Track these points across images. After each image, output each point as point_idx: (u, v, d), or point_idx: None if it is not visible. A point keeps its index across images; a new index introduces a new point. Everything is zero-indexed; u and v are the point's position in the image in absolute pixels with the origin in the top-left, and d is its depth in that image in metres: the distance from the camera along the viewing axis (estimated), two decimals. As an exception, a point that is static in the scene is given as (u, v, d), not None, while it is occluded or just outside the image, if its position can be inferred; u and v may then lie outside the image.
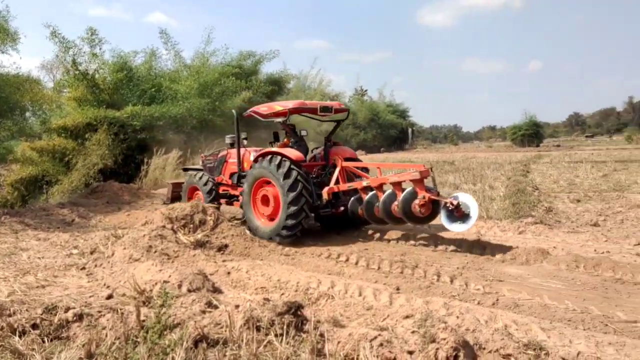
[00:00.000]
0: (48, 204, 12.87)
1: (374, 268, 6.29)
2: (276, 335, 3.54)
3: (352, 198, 8.06)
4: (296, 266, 6.61)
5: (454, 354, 2.99)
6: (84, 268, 6.37)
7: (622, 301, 4.81)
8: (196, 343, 3.41)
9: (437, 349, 3.05)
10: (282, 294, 5.23)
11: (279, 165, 7.71)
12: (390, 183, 7.37)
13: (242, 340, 3.43)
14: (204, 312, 4.01)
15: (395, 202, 7.17)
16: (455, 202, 6.62)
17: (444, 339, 3.12)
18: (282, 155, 7.86)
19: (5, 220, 9.57)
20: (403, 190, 7.15)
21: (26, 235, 8.55)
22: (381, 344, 3.31)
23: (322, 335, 3.56)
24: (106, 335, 3.60)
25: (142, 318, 3.70)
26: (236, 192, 9.30)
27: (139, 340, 3.42)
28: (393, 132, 58.84)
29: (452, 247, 7.11)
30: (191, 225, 7.80)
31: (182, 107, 17.91)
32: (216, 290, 5.22)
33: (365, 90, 66.38)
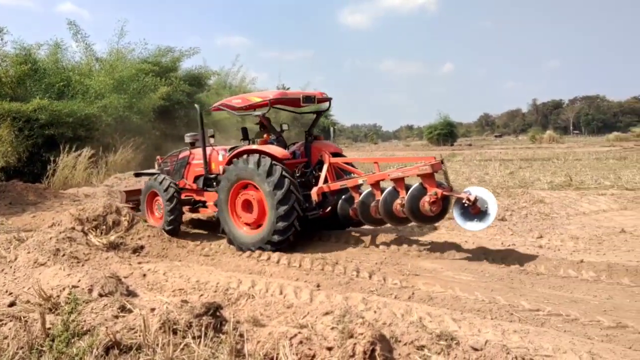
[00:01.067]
0: (-59, 205, 11.76)
1: (295, 266, 6.31)
2: (194, 338, 3.45)
3: (342, 198, 7.39)
4: (216, 266, 6.50)
5: (370, 348, 3.05)
6: (-18, 274, 5.88)
7: (526, 291, 5.14)
8: (107, 350, 3.25)
9: (355, 344, 3.10)
10: (201, 295, 5.12)
11: (258, 164, 6.95)
12: (392, 179, 6.64)
13: (158, 345, 3.32)
14: (116, 317, 3.83)
15: (398, 201, 6.49)
16: (472, 198, 6.00)
17: (362, 334, 3.18)
18: (260, 153, 7.13)
19: None
20: (407, 187, 6.53)
21: None
22: (301, 342, 3.31)
23: (241, 335, 3.52)
24: (8, 345, 3.36)
25: (47, 326, 3.49)
26: (202, 198, 8.48)
27: (44, 349, 3.21)
28: (315, 130, 59.30)
29: (370, 243, 7.27)
30: (104, 227, 7.45)
31: (96, 106, 17.02)
32: (130, 293, 5.02)
33: (288, 88, 66.38)
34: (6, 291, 5.19)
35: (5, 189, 12.83)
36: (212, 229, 8.69)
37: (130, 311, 4.00)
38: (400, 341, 3.47)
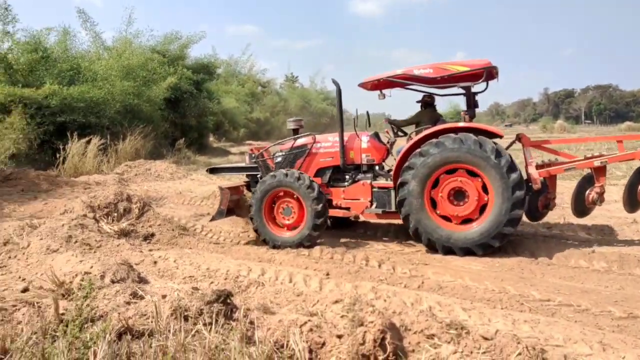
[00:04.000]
0: (-46, 192, 11.90)
1: (305, 254, 6.33)
2: (205, 325, 3.48)
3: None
4: (226, 254, 6.53)
5: (381, 336, 3.06)
6: (-5, 261, 5.96)
7: (537, 281, 5.13)
8: (120, 335, 3.29)
9: (365, 332, 3.11)
10: (212, 282, 5.16)
11: (481, 144, 5.89)
12: (594, 168, 6.20)
13: (169, 331, 3.35)
14: (128, 303, 3.87)
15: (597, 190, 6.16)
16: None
17: (372, 322, 3.19)
18: (475, 130, 6.11)
19: None
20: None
21: None
22: (311, 329, 3.33)
23: (252, 322, 3.54)
24: (22, 330, 3.40)
25: (61, 311, 3.53)
26: (329, 195, 7.00)
27: (57, 334, 3.25)
28: (324, 119, 59.32)
29: (380, 232, 7.27)
30: (115, 214, 7.51)
31: (103, 90, 17.07)
32: (142, 280, 5.05)
33: (297, 77, 66.33)
34: (19, 277, 5.25)
35: (17, 176, 12.94)
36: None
37: (142, 298, 4.03)
38: (410, 330, 3.48)
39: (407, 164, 6.23)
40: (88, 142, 15.36)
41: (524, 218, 6.42)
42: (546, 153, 7.03)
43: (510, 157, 5.91)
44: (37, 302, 3.80)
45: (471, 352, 3.15)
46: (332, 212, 6.93)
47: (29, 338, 3.30)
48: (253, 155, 7.64)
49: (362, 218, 7.46)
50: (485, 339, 3.23)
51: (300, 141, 7.37)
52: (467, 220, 6.09)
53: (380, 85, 6.93)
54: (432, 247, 6.18)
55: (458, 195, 6.10)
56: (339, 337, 3.26)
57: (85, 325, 3.27)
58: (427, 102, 7.32)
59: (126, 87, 18.20)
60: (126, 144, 17.24)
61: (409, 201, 6.16)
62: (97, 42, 21.50)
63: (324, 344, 3.27)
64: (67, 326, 3.21)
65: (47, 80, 16.10)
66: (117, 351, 3.07)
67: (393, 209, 6.53)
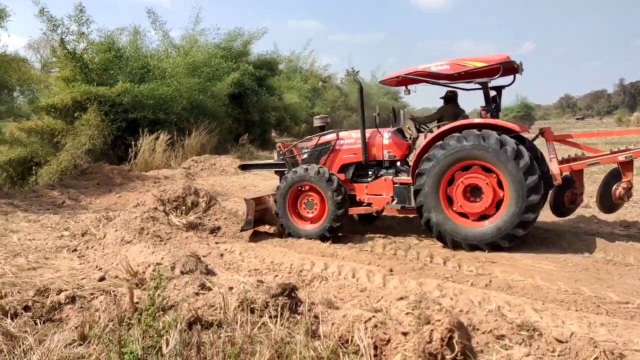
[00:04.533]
0: (37, 185, 12.74)
1: (367, 250, 6.30)
2: (270, 317, 3.53)
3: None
4: (289, 248, 6.60)
5: (448, 335, 2.99)
6: (75, 250, 6.33)
7: (614, 282, 4.85)
8: (190, 325, 3.40)
9: (432, 330, 3.05)
10: (276, 275, 5.23)
11: (501, 143, 5.80)
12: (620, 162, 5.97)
13: (237, 322, 3.42)
14: (197, 294, 3.99)
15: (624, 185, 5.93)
16: None
17: (439, 321, 3.12)
18: (494, 127, 6.03)
19: (-6, 202, 9.46)
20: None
21: (16, 217, 8.46)
22: (375, 326, 3.31)
23: (316, 316, 3.56)
24: (99, 317, 3.58)
25: (135, 300, 3.68)
26: (353, 191, 7.12)
27: (132, 322, 3.40)
28: (385, 113, 58.60)
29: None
30: (183, 207, 7.78)
31: (171, 86, 17.70)
32: (209, 272, 5.20)
33: (357, 72, 65.83)
34: (96, 267, 5.55)
35: (93, 170, 13.70)
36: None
37: (209, 289, 4.15)
38: (478, 329, 3.39)
39: (425, 155, 6.26)
40: (157, 137, 16.00)
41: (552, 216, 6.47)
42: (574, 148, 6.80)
43: (530, 159, 5.77)
44: (113, 291, 3.98)
45: (544, 355, 3.02)
46: (355, 210, 7.08)
47: (106, 325, 3.48)
48: (281, 152, 7.81)
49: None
50: (559, 341, 3.09)
51: (324, 138, 7.51)
52: (482, 217, 6.07)
53: (404, 81, 6.98)
54: (442, 240, 6.24)
55: (474, 191, 6.10)
56: (405, 334, 3.22)
57: (158, 314, 3.39)
58: (449, 98, 7.29)
59: (192, 84, 18.77)
60: (192, 140, 17.80)
61: (423, 193, 6.21)
62: (165, 40, 22.30)
63: (389, 340, 3.24)
64: (141, 315, 3.35)
65: (120, 79, 16.88)
66: (187, 340, 3.17)
67: (413, 204, 6.51)
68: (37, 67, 21.30)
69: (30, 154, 14.75)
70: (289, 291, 3.80)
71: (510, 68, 6.37)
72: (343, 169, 7.24)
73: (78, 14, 16.35)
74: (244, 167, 8.85)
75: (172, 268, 4.90)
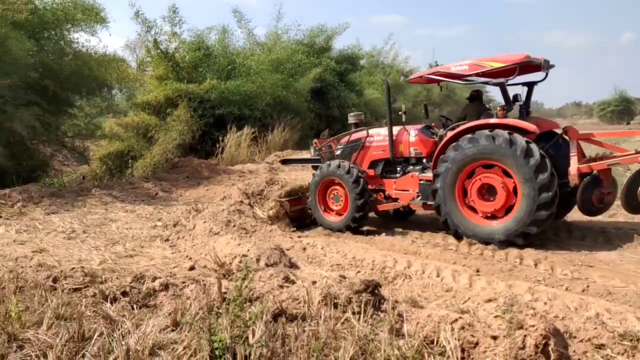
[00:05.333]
0: (133, 177, 13.57)
1: (452, 249, 6.12)
2: (353, 313, 3.52)
3: (584, 180, 6.00)
4: (371, 244, 6.56)
5: (543, 341, 2.82)
6: (167, 240, 6.66)
7: None
8: (275, 317, 3.45)
9: (525, 335, 2.90)
10: (358, 271, 5.21)
11: (511, 142, 5.84)
12: None
13: (320, 317, 3.43)
14: (281, 286, 4.06)
15: None
16: None
17: (533, 326, 2.96)
18: (506, 127, 6.07)
19: (96, 192, 10.17)
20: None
21: (114, 207, 9.05)
22: (462, 327, 3.20)
23: (400, 315, 3.50)
24: (190, 305, 3.71)
25: (223, 290, 3.80)
26: (379, 186, 7.42)
27: (221, 311, 3.51)
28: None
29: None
30: (267, 201, 7.95)
31: (256, 83, 18.17)
32: (293, 265, 5.28)
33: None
34: (187, 256, 5.80)
35: (183, 164, 14.38)
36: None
37: (293, 282, 4.21)
38: (575, 337, 3.18)
39: (441, 156, 6.44)
40: (242, 133, 16.51)
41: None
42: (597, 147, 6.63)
43: (542, 157, 5.73)
44: (202, 280, 4.14)
45: (651, 369, 2.78)
46: (383, 207, 7.36)
47: (196, 313, 3.61)
48: (317, 148, 8.42)
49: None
50: (669, 355, 2.83)
51: (355, 135, 7.89)
52: (493, 216, 6.15)
53: (430, 80, 7.24)
54: (460, 238, 6.34)
55: (489, 190, 6.18)
56: (494, 338, 3.09)
57: (244, 305, 3.48)
58: (474, 97, 7.34)
59: (275, 80, 19.16)
60: (275, 135, 18.18)
61: (440, 193, 6.40)
62: (250, 38, 22.91)
63: (477, 343, 3.12)
64: (228, 304, 3.45)
65: (208, 76, 17.58)
66: (273, 332, 3.23)
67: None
68: (133, 66, 22.59)
69: (127, 147, 15.77)
70: (372, 288, 3.76)
71: (530, 67, 6.46)
72: (373, 165, 7.56)
73: (171, 15, 17.22)
74: (285, 162, 9.63)
75: (257, 260, 5.01)
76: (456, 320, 3.27)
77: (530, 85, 6.91)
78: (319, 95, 23.06)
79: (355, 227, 7.14)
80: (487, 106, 7.38)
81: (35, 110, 10.84)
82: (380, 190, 7.40)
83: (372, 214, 7.60)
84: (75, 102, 14.11)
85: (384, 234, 7.06)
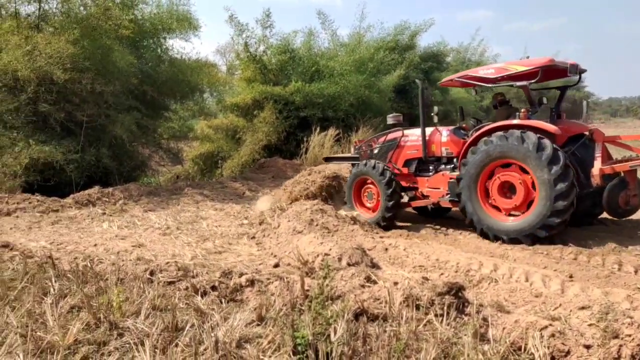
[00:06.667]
0: (222, 177, 14.19)
1: (542, 253, 5.82)
2: (436, 316, 3.47)
3: (611, 182, 6.06)
4: (455, 246, 6.41)
5: (641, 353, 2.64)
6: (253, 237, 6.91)
7: None
8: (356, 316, 3.48)
9: (621, 345, 2.73)
10: (441, 274, 5.12)
11: (522, 139, 6.10)
12: None
13: (402, 318, 3.42)
14: (363, 286, 4.07)
15: None
16: None
17: (629, 336, 2.78)
18: (536, 129, 6.24)
19: (189, 191, 10.76)
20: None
21: (205, 206, 9.53)
22: (552, 335, 3.07)
23: (485, 319, 3.41)
24: (274, 301, 3.83)
25: (305, 288, 3.89)
26: (413, 184, 7.82)
27: (303, 308, 3.59)
28: (564, 104, 53.56)
29: (634, 233, 6.30)
30: (349, 201, 8.02)
31: (339, 85, 18.30)
32: (374, 265, 5.28)
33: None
34: (272, 254, 5.99)
35: (268, 164, 14.84)
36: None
37: (374, 282, 4.21)
38: (679, 352, 2.93)
39: (463, 160, 6.79)
40: (325, 134, 16.72)
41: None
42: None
43: (554, 151, 5.90)
44: (286, 278, 4.26)
45: None
46: (415, 203, 7.89)
47: (280, 309, 3.73)
48: (357, 147, 9.06)
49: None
50: None
51: (391, 135, 8.32)
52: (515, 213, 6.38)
53: (457, 83, 7.67)
54: (486, 236, 6.57)
55: (510, 188, 6.40)
56: (587, 347, 2.94)
57: (326, 303, 3.54)
58: (500, 101, 7.63)
59: (358, 80, 19.19)
60: (358, 135, 18.21)
61: (463, 193, 6.69)
62: (334, 40, 23.11)
63: (568, 352, 2.98)
64: (311, 302, 3.53)
65: (293, 78, 17.97)
66: (354, 331, 3.26)
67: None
68: (223, 69, 23.62)
69: (216, 148, 16.53)
70: (456, 290, 3.69)
71: (555, 71, 6.80)
72: (407, 163, 7.93)
73: (265, 18, 17.79)
74: (327, 160, 10.45)
75: (339, 259, 5.07)
76: (546, 327, 3.15)
77: (564, 88, 7.36)
78: (403, 94, 22.80)
79: (384, 225, 7.60)
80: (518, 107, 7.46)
81: (135, 115, 11.67)
82: (413, 187, 7.83)
83: (410, 209, 8.28)
84: (171, 106, 15.03)
85: (469, 235, 6.89)
